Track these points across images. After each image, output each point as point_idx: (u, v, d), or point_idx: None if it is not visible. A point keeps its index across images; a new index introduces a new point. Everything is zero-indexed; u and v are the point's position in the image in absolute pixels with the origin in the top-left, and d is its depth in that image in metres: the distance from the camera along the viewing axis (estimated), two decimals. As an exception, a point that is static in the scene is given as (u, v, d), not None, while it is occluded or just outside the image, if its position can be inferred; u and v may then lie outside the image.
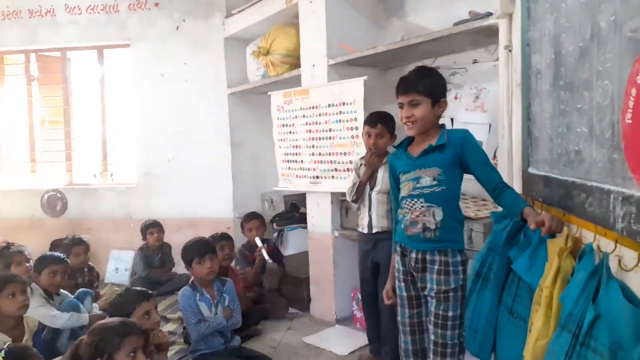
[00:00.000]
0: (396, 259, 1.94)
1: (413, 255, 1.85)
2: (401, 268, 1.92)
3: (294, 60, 3.79)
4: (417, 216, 1.81)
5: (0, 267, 3.46)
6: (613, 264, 1.20)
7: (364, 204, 2.64)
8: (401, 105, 1.86)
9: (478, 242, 2.37)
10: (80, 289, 3.18)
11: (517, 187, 2.05)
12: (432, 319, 1.82)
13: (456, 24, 2.56)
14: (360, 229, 2.69)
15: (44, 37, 4.88)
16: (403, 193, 1.86)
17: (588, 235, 1.36)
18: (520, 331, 1.67)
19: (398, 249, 1.93)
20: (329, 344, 3.08)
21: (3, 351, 1.70)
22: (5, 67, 5.20)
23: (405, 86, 1.84)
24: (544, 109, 1.75)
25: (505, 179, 2.17)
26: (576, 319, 1.25)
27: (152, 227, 4.33)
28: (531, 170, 1.88)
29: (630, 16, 1.11)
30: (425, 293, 1.85)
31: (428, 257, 1.82)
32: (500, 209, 2.16)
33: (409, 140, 1.93)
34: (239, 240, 4.00)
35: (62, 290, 3.02)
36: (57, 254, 3.10)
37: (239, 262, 3.76)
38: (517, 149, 2.05)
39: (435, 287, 1.80)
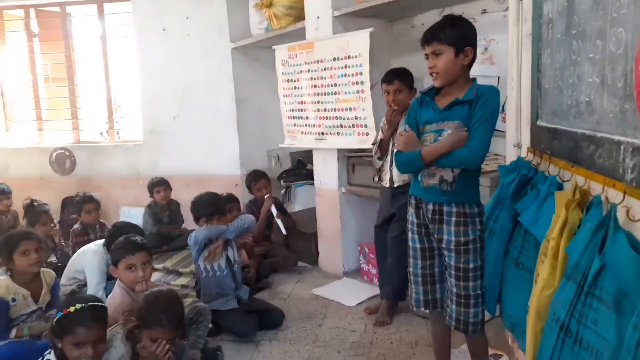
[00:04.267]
0: (410, 211, 1.95)
1: (430, 207, 1.83)
2: (415, 220, 1.92)
3: (298, 12, 3.68)
4: (435, 168, 1.81)
5: (25, 225, 3.54)
6: (621, 215, 1.20)
7: (386, 160, 2.70)
8: (427, 57, 1.81)
9: (484, 196, 2.36)
10: None
11: (526, 139, 2.04)
12: (453, 272, 1.82)
13: (466, -29, 2.47)
14: (383, 183, 2.76)
15: (42, -9, 4.78)
16: (425, 144, 1.83)
17: (596, 187, 1.35)
18: (526, 282, 1.69)
19: (412, 201, 1.93)
20: (337, 296, 3.16)
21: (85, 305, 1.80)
22: (5, 23, 5.11)
23: (428, 36, 1.78)
24: (554, 60, 1.71)
25: (514, 131, 2.16)
26: (582, 269, 1.26)
27: (159, 186, 4.36)
28: (540, 122, 1.86)
29: (650, -41, 1.06)
30: (443, 245, 1.84)
31: (445, 208, 1.81)
32: (508, 162, 2.16)
33: (437, 90, 1.87)
34: (246, 196, 4.04)
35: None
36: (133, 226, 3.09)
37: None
38: (526, 101, 2.02)
39: (453, 238, 1.80)
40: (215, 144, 4.60)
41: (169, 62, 4.62)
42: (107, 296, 2.82)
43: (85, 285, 2.98)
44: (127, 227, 3.02)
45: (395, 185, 2.65)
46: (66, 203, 4.78)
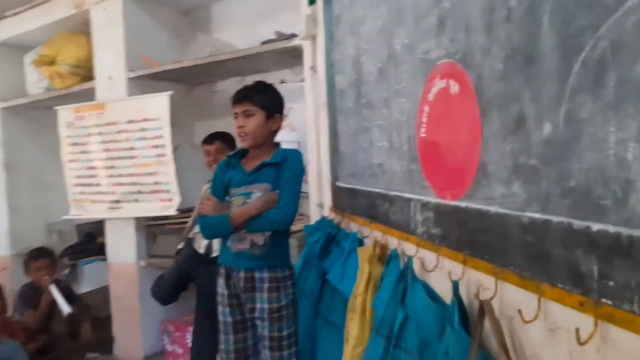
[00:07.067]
0: (220, 282, 1.82)
1: (241, 275, 1.74)
2: (226, 292, 1.79)
3: (86, 72, 3.38)
4: (245, 232, 1.73)
5: None
6: (416, 266, 1.30)
7: None
8: (236, 116, 1.79)
9: (293, 256, 2.39)
10: None
11: (328, 199, 2.15)
12: (267, 342, 1.73)
13: (264, 43, 2.60)
14: (196, 247, 2.49)
15: None
16: (233, 208, 1.77)
17: (393, 242, 1.46)
18: (338, 341, 1.70)
19: (222, 271, 1.81)
20: (139, 387, 2.76)
21: None
22: None
23: (241, 96, 1.78)
24: (348, 126, 1.86)
25: (316, 192, 2.26)
26: (388, 322, 1.31)
27: None
28: (339, 183, 1.98)
29: (422, 39, 1.23)
30: (256, 315, 1.75)
31: (257, 275, 1.74)
32: (313, 221, 2.23)
33: (243, 153, 1.86)
34: (20, 280, 3.35)
35: None
36: None
37: (19, 306, 3.13)
38: (326, 164, 2.15)
39: (266, 306, 1.73)
40: (-24, 220, 3.77)
41: None
42: None
43: None
44: None
45: (213, 255, 2.44)
46: None
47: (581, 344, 0.68)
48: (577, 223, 0.73)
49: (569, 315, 0.74)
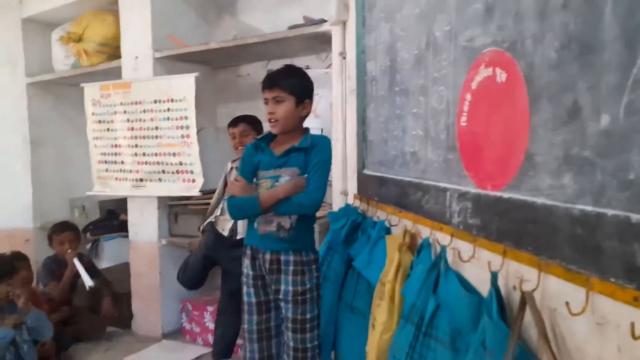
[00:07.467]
0: (245, 263, 1.83)
1: (267, 256, 1.77)
2: (251, 272, 1.82)
3: (112, 51, 3.40)
4: (272, 215, 1.74)
5: None
6: (450, 256, 1.29)
7: None
8: (266, 101, 1.79)
9: (315, 242, 2.40)
10: None
11: (352, 187, 2.14)
12: (290, 324, 1.76)
13: (291, 28, 2.58)
14: (220, 230, 2.51)
15: None
16: (261, 191, 1.78)
17: (424, 231, 1.45)
18: (361, 327, 1.71)
19: (248, 252, 1.83)
20: (156, 363, 2.81)
21: None
22: None
23: (271, 81, 1.78)
24: (379, 114, 1.84)
25: (340, 180, 2.25)
26: (418, 310, 1.31)
27: None
28: (366, 171, 1.97)
29: (465, 26, 1.21)
30: (280, 296, 1.78)
31: (282, 257, 1.76)
32: (335, 209, 2.23)
33: (272, 136, 1.86)
34: (42, 253, 3.43)
35: None
36: None
37: (43, 278, 3.20)
38: (352, 152, 2.13)
39: (291, 288, 1.75)
40: (1, 193, 3.83)
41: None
42: None
43: None
44: None
45: (238, 237, 2.46)
46: None
47: (635, 338, 0.67)
48: (636, 217, 0.71)
49: (620, 309, 0.73)
